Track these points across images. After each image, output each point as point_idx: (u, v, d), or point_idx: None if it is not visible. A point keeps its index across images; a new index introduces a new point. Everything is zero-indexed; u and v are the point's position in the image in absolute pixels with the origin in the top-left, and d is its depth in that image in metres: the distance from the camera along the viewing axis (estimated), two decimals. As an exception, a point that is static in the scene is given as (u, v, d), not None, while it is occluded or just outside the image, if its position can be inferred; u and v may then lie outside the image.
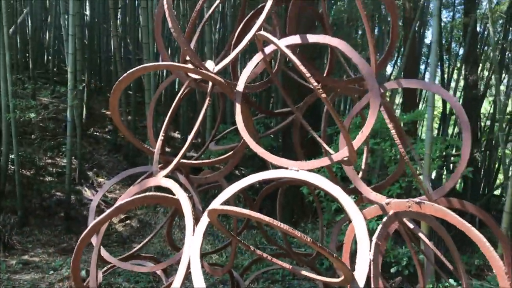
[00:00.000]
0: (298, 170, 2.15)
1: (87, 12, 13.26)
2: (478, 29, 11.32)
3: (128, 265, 3.00)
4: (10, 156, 8.23)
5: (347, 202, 2.01)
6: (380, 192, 2.66)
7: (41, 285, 5.78)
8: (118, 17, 12.39)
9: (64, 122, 10.17)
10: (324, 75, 2.95)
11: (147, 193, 2.34)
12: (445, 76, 12.11)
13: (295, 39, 2.30)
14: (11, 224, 7.66)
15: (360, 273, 1.86)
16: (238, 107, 2.27)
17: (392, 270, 6.01)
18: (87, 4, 13.26)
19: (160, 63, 2.55)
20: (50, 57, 13.80)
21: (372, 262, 1.90)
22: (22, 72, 12.12)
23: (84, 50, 11.64)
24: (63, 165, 9.35)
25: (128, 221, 8.72)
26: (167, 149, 10.52)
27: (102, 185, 9.57)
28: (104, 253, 2.81)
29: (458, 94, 12.34)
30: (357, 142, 2.16)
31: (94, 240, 2.69)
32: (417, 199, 2.20)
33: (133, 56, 11.78)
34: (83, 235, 2.15)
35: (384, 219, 2.09)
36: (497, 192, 11.30)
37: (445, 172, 9.84)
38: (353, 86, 2.80)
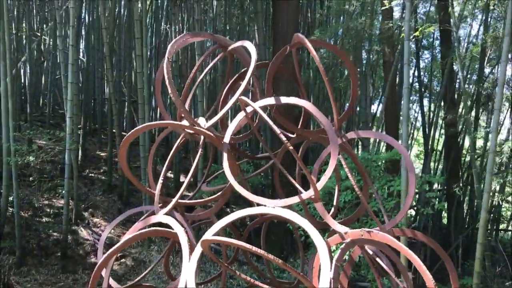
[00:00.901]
0: (274, 207, 2.69)
1: (84, 58, 14.01)
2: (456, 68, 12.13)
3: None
4: (9, 199, 8.68)
5: (312, 232, 2.54)
6: (348, 225, 3.19)
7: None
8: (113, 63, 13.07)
9: (60, 164, 10.68)
10: (299, 126, 3.54)
11: (152, 228, 2.86)
12: (429, 114, 12.87)
13: (270, 100, 2.89)
14: (10, 264, 8.04)
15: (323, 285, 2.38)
16: (225, 156, 2.82)
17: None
18: (82, 49, 14.03)
19: (161, 122, 3.12)
20: (46, 101, 14.42)
21: (332, 279, 2.42)
22: (19, 116, 12.68)
23: (80, 93, 12.28)
24: (59, 206, 9.78)
25: (123, 260, 9.09)
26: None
27: (97, 225, 10.01)
28: (112, 282, 3.30)
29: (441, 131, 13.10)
30: (320, 184, 2.71)
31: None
32: (367, 229, 2.73)
33: (128, 98, 12.40)
34: (98, 264, 2.65)
35: (342, 245, 2.63)
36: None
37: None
38: (323, 135, 3.38)
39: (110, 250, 2.71)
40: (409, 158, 3.00)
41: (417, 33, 7.68)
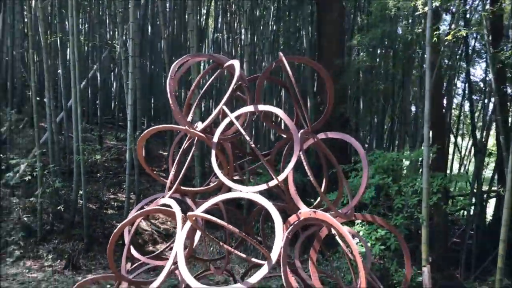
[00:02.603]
0: (247, 192, 3.51)
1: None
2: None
3: (152, 261, 4.44)
4: (79, 193, 10.12)
5: (272, 211, 3.32)
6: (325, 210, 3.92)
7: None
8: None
9: (126, 162, 12.09)
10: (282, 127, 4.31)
11: (157, 206, 3.81)
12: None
13: (248, 108, 3.71)
14: (79, 249, 9.43)
15: (274, 254, 3.17)
16: (213, 153, 3.68)
17: (394, 290, 7.02)
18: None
19: (167, 125, 4.04)
20: (116, 104, 16.11)
21: (282, 249, 3.20)
22: (92, 119, 14.38)
23: (145, 98, 13.68)
24: (123, 199, 11.14)
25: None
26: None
27: (155, 217, 11.27)
28: (133, 251, 4.28)
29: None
30: (284, 173, 3.48)
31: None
32: (314, 210, 3.47)
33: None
34: (115, 231, 3.63)
35: (296, 222, 3.38)
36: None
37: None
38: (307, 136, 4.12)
39: (121, 223, 3.68)
40: (365, 157, 3.69)
41: (449, 37, 8.02)
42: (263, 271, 3.09)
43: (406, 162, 7.94)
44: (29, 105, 12.68)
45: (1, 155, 10.58)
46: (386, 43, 10.21)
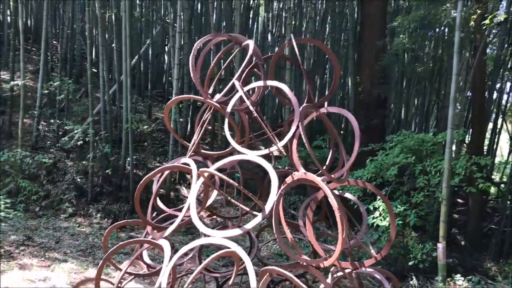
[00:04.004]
0: (249, 155, 4.15)
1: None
2: None
3: (173, 211, 5.20)
4: (127, 159, 11.13)
5: (270, 170, 3.93)
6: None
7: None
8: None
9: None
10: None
11: (175, 164, 4.54)
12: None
13: (259, 83, 4.31)
14: (125, 210, 10.46)
15: (268, 206, 3.80)
16: (226, 121, 4.32)
17: (410, 263, 7.48)
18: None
19: (189, 95, 4.70)
20: (167, 78, 17.08)
21: (275, 202, 3.83)
22: (143, 92, 15.42)
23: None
24: (167, 168, 12.07)
25: (214, 216, 11.10)
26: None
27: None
28: (159, 202, 5.06)
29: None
30: (283, 141, 4.08)
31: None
32: (305, 171, 4.04)
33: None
34: (141, 182, 4.39)
35: (289, 182, 3.99)
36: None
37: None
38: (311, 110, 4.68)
39: (146, 176, 4.44)
40: (358, 130, 4.20)
41: (487, 22, 8.14)
42: (257, 219, 3.74)
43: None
44: (86, 76, 13.84)
45: (59, 122, 11.77)
46: (427, 25, 10.38)
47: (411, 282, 7.55)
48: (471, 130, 11.60)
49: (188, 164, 4.42)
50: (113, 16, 12.86)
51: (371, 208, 8.06)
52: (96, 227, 9.57)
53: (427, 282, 7.59)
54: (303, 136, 4.00)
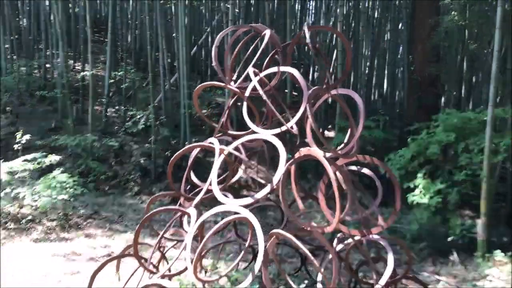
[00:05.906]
0: (263, 134, 4.70)
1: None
2: None
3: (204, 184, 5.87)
4: (186, 142, 12.04)
5: (278, 144, 4.46)
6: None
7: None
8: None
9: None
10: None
11: (202, 143, 5.21)
12: None
13: (273, 69, 4.84)
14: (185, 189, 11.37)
15: (277, 177, 4.35)
16: (245, 104, 4.89)
17: (449, 238, 7.70)
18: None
19: (210, 82, 5.36)
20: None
21: (283, 173, 4.37)
22: (204, 79, 16.33)
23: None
24: (224, 150, 12.88)
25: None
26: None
27: (251, 167, 12.86)
28: (192, 176, 5.76)
29: None
30: (292, 121, 4.58)
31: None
32: (309, 148, 4.50)
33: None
34: (172, 158, 5.09)
35: (296, 157, 4.50)
36: None
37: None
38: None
39: (177, 153, 5.14)
40: (362, 108, 4.59)
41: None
42: (266, 190, 4.31)
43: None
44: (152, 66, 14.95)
45: (124, 108, 12.93)
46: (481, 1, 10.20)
47: (450, 257, 7.76)
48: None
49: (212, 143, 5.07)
50: (173, 6, 13.74)
51: (412, 186, 8.35)
52: (157, 204, 10.55)
53: (467, 258, 7.77)
54: (310, 117, 4.50)
